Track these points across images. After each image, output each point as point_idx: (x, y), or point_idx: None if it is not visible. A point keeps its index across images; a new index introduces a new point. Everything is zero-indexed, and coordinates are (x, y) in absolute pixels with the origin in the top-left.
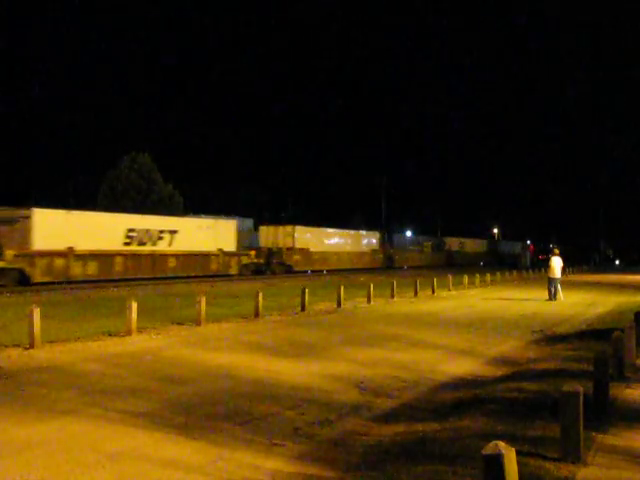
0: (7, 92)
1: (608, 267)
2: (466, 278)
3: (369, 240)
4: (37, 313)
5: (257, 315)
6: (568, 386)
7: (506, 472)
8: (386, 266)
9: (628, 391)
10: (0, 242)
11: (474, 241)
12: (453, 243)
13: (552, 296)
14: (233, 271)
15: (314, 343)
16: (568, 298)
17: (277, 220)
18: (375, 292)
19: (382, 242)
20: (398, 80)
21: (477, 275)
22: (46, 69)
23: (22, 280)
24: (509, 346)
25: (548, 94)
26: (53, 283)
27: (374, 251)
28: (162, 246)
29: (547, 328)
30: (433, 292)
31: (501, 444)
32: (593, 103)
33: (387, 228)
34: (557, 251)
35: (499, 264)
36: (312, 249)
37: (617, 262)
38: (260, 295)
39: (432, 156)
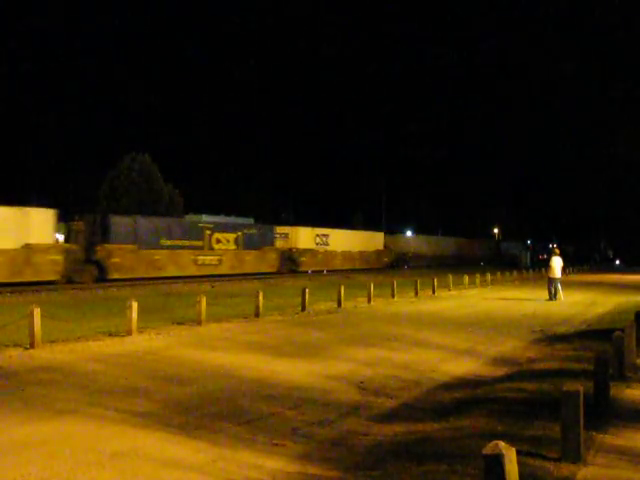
0: (7, 91)
1: (608, 267)
2: (466, 278)
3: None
4: (37, 313)
5: (257, 315)
6: (568, 386)
7: (506, 472)
8: (94, 279)
9: (628, 391)
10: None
11: (356, 234)
12: (299, 236)
13: (552, 296)
14: None
15: (314, 343)
16: (568, 298)
17: (278, 221)
18: (375, 292)
19: (78, 233)
20: (398, 80)
21: (477, 275)
22: (46, 68)
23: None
24: (509, 346)
25: (548, 94)
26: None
27: (28, 249)
28: None
29: (547, 328)
30: (433, 292)
31: (501, 444)
32: (593, 103)
33: (103, 209)
34: (557, 251)
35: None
36: None
37: (617, 262)
38: (261, 295)
39: (431, 156)
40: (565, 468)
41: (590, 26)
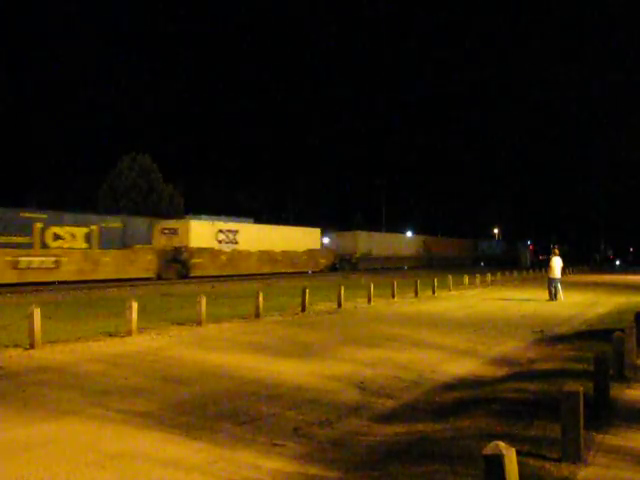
0: (7, 91)
1: (608, 267)
2: (466, 278)
3: None
4: (37, 313)
5: (257, 315)
6: (568, 386)
7: (507, 472)
8: None
9: (628, 391)
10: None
11: (279, 230)
12: (192, 232)
13: (552, 296)
14: None
15: (314, 343)
16: (568, 298)
17: (279, 221)
18: (375, 292)
19: None
20: (397, 80)
21: (478, 275)
22: (46, 69)
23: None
24: (510, 346)
25: (547, 95)
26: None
27: None
28: None
29: (547, 328)
30: (433, 292)
31: (501, 444)
32: (593, 104)
33: None
34: (557, 251)
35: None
36: None
37: (617, 262)
38: (261, 295)
39: (432, 156)
40: (565, 468)
41: (590, 26)
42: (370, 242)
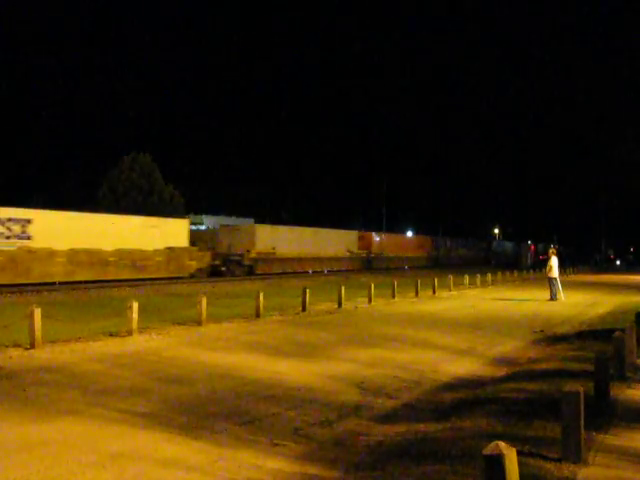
0: (7, 91)
1: (609, 267)
2: (467, 278)
3: None
4: (38, 313)
5: (258, 315)
6: (569, 386)
7: (507, 472)
8: None
9: (629, 391)
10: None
11: (108, 219)
12: None
13: (553, 296)
14: None
15: (315, 343)
16: (569, 298)
17: (279, 221)
18: (375, 292)
19: None
20: (397, 80)
21: (478, 275)
22: (46, 68)
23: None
24: (510, 346)
25: (547, 95)
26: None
27: None
28: None
29: (548, 328)
30: (434, 292)
31: (502, 444)
32: (593, 103)
33: None
34: (554, 251)
35: None
36: None
37: (618, 262)
38: (261, 295)
39: (432, 156)
40: (566, 468)
41: (590, 26)
42: (274, 239)
